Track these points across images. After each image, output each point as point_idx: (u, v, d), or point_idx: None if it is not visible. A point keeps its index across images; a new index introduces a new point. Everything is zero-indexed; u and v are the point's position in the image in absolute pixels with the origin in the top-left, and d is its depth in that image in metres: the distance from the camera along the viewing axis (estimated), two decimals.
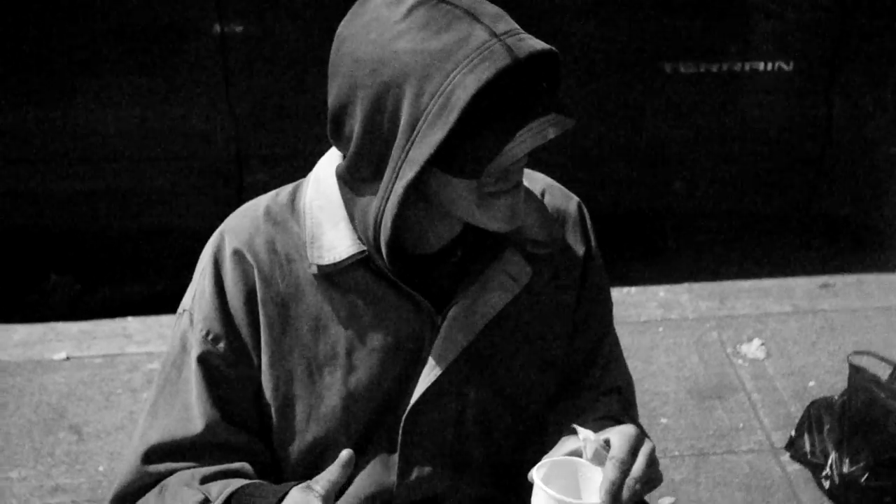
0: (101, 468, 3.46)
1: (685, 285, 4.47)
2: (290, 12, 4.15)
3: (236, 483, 1.56)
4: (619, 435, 1.47)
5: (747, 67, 4.36)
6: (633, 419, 1.82)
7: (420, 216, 1.56)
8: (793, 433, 3.50)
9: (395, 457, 1.65)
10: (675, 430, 3.62)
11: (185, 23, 4.13)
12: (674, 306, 4.33)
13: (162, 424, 1.63)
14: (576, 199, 1.78)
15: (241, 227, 1.62)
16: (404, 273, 1.57)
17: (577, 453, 1.49)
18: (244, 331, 1.61)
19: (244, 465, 1.63)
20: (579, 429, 1.50)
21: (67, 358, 4.02)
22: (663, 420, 3.66)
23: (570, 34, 4.28)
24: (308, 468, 1.65)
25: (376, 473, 1.67)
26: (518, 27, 1.41)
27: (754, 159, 4.59)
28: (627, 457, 1.44)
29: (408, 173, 1.40)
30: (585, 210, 1.78)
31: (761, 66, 4.37)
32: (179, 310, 1.67)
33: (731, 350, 4.04)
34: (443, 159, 1.41)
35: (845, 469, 3.26)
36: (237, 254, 1.60)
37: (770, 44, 4.39)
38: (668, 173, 4.57)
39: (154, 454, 1.62)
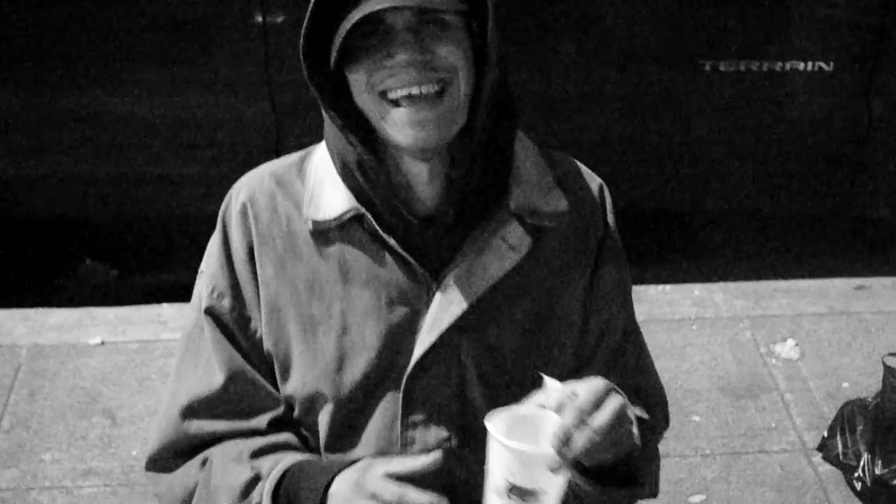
0: (133, 452, 3.49)
1: (720, 284, 4.46)
2: None
3: (287, 460, 1.57)
4: (586, 385, 1.40)
5: (787, 67, 4.34)
6: (651, 418, 1.73)
7: (385, 154, 1.57)
8: (825, 434, 3.48)
9: (398, 423, 1.63)
10: (706, 427, 3.61)
11: (227, 13, 4.15)
12: (708, 305, 4.31)
13: (189, 384, 1.65)
14: (598, 180, 1.73)
15: (247, 185, 1.67)
16: (400, 237, 1.58)
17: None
18: (247, 287, 1.63)
19: (290, 437, 1.64)
20: (545, 377, 1.43)
21: (102, 343, 4.06)
22: (695, 418, 3.65)
23: (610, 30, 4.27)
24: (304, 424, 1.67)
25: (381, 440, 1.63)
26: None
27: (792, 159, 4.56)
28: (589, 406, 1.37)
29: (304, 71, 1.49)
30: (608, 193, 1.73)
31: (801, 65, 4.34)
32: (199, 271, 1.71)
33: (765, 350, 4.02)
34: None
35: (877, 471, 3.24)
36: (243, 209, 1.63)
37: (810, 43, 4.36)
38: (706, 171, 4.55)
39: (188, 412, 1.64)
